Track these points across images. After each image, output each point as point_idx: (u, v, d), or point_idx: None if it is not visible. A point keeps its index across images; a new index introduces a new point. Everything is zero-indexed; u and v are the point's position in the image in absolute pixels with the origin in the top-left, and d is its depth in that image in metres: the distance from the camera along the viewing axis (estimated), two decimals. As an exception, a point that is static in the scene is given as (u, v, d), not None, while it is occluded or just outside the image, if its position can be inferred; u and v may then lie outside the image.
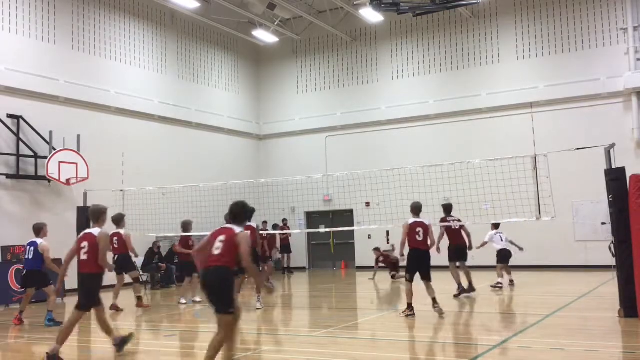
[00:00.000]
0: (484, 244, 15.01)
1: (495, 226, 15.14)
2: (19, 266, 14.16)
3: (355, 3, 21.21)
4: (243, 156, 24.28)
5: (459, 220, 13.59)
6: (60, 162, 16.22)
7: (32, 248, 11.25)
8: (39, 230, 11.44)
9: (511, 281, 15.09)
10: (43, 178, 16.16)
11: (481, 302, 12.76)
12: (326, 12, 22.97)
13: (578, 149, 11.67)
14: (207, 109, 22.57)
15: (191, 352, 8.80)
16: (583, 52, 20.05)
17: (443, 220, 13.45)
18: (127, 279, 13.63)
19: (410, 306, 10.65)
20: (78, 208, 15.17)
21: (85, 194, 15.08)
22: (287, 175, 19.81)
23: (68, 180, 16.41)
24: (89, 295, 7.97)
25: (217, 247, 6.35)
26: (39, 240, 11.32)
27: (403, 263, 12.10)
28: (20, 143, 15.99)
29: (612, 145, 10.33)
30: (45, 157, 16.14)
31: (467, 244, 13.57)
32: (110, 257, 10.18)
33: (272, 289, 6.94)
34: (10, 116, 15.92)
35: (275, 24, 22.88)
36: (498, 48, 21.38)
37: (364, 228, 20.09)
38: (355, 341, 9.21)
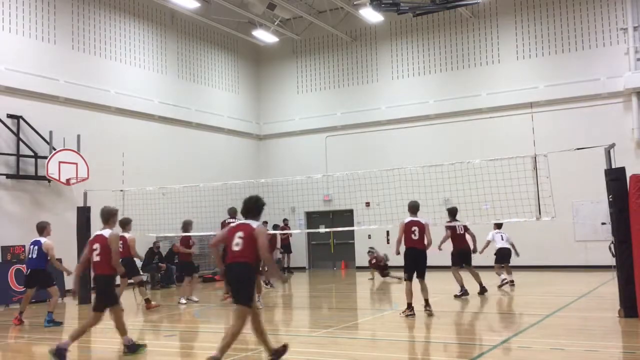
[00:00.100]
0: (488, 243, 15.02)
1: (498, 226, 15.15)
2: (19, 266, 14.18)
3: (355, 3, 21.21)
4: (243, 156, 24.29)
5: (465, 226, 13.62)
6: (60, 162, 16.23)
7: (36, 247, 11.21)
8: (43, 229, 11.41)
9: (511, 281, 15.08)
10: (43, 178, 16.16)
11: (481, 302, 12.76)
12: (326, 12, 22.97)
13: (578, 149, 11.68)
14: (207, 109, 22.58)
15: (191, 352, 8.80)
16: (583, 52, 20.05)
17: (449, 223, 13.46)
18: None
19: (410, 306, 10.65)
20: (78, 208, 15.20)
21: (85, 194, 15.09)
22: (287, 175, 19.82)
23: (68, 180, 16.42)
24: (104, 296, 8.05)
25: (237, 244, 6.73)
26: (42, 239, 11.28)
27: (394, 263, 12.11)
28: (20, 143, 16.00)
29: (612, 145, 10.33)
30: (45, 157, 16.14)
31: (472, 247, 13.61)
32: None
33: (285, 279, 7.40)
34: (10, 116, 15.93)
35: (275, 24, 22.89)
36: (498, 48, 21.38)
37: (364, 228, 20.10)
38: (355, 341, 9.22)
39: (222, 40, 23.75)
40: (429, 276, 10.97)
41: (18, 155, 15.92)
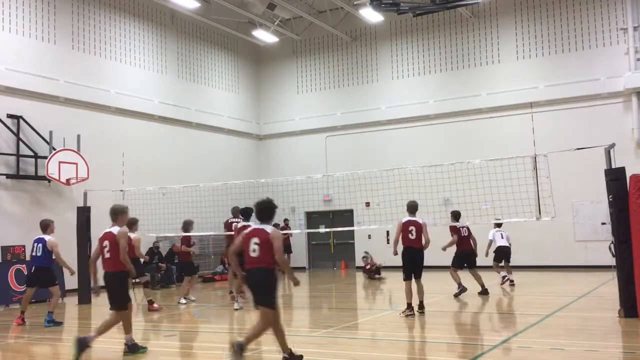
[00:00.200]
0: (490, 243, 15.01)
1: (498, 225, 15.15)
2: (20, 266, 14.19)
3: (355, 3, 21.21)
4: (243, 156, 24.29)
5: (468, 228, 13.63)
6: (60, 162, 16.22)
7: (40, 245, 11.19)
8: (46, 226, 11.41)
9: (511, 281, 15.09)
10: (43, 178, 16.16)
11: (481, 302, 12.76)
12: (326, 12, 22.97)
13: (578, 149, 11.67)
14: (207, 109, 22.57)
15: (191, 352, 8.80)
16: (583, 52, 20.04)
17: (453, 227, 13.45)
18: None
19: (410, 306, 10.66)
20: (78, 208, 15.20)
21: (85, 194, 15.10)
22: (287, 175, 19.82)
23: (68, 180, 16.42)
24: (117, 293, 8.07)
25: (254, 250, 6.98)
26: (46, 237, 11.27)
27: (392, 263, 12.12)
28: (20, 143, 15.99)
29: (612, 145, 10.33)
30: (45, 157, 16.14)
31: (474, 250, 13.63)
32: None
33: (298, 281, 7.45)
34: (10, 116, 15.92)
35: (275, 24, 22.88)
36: (498, 48, 21.37)
37: (364, 228, 20.10)
38: (355, 341, 9.22)
39: (222, 40, 23.74)
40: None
41: (18, 155, 15.92)
